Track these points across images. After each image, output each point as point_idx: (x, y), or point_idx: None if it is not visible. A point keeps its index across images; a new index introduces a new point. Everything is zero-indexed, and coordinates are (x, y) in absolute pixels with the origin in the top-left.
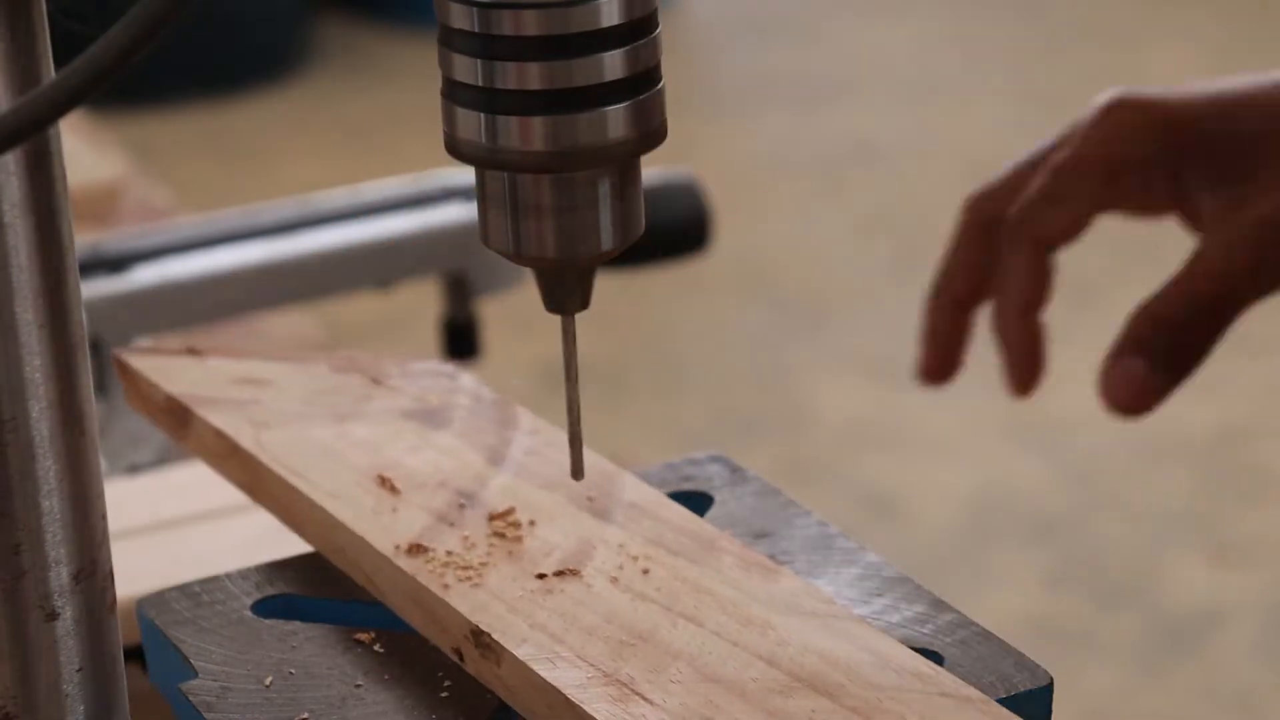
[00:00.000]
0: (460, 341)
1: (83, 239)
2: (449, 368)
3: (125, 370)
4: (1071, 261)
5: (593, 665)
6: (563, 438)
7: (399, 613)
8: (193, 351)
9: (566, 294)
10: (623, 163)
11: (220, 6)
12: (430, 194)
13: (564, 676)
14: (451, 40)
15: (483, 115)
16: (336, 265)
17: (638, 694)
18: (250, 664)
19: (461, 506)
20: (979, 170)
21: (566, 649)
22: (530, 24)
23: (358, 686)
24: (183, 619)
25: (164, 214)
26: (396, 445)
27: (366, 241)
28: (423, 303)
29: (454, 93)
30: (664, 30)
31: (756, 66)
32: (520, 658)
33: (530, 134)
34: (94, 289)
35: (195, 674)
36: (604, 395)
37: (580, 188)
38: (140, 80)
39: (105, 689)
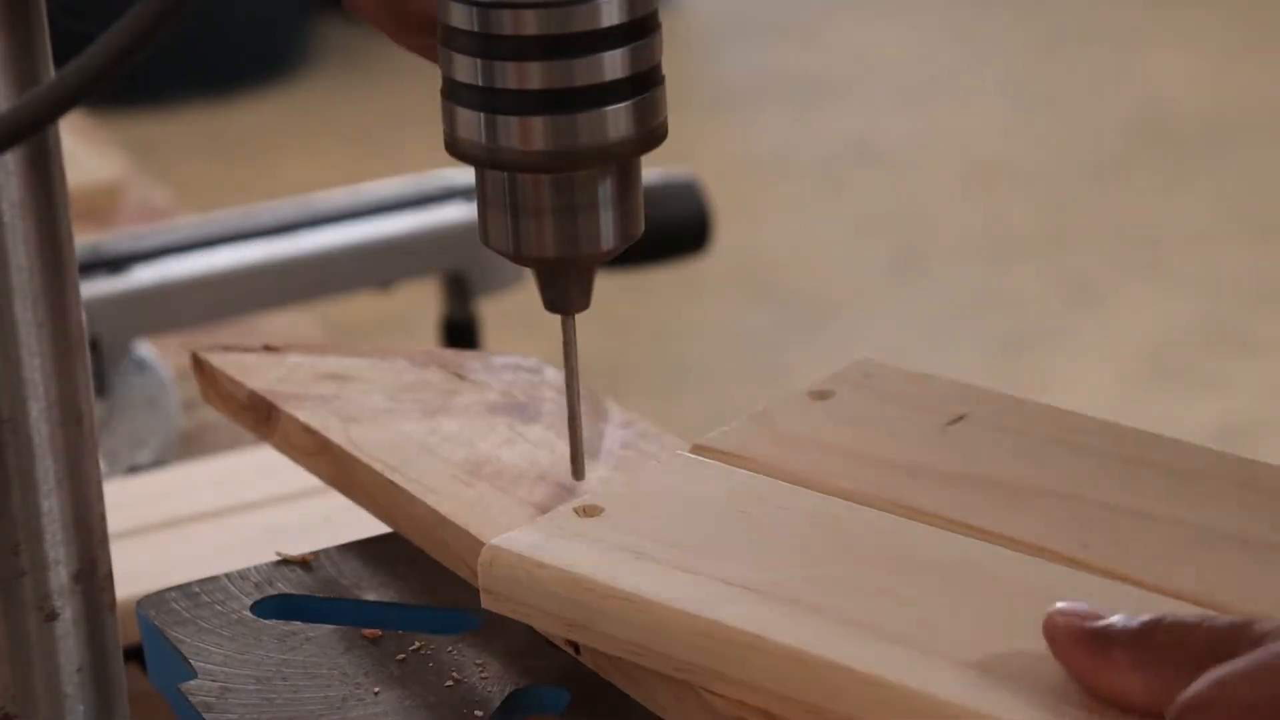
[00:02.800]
0: (460, 341)
1: (83, 239)
2: (532, 361)
3: (202, 368)
4: (1072, 261)
5: None
6: (657, 430)
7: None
8: (270, 349)
9: (566, 294)
10: (623, 163)
11: (220, 6)
12: (430, 194)
13: None
14: (452, 40)
15: (482, 115)
16: (336, 265)
17: None
18: (250, 664)
19: (564, 500)
20: (979, 170)
21: None
22: (530, 23)
23: (358, 686)
24: (182, 619)
25: (164, 214)
26: (490, 439)
27: (366, 241)
28: (423, 303)
29: (454, 92)
30: (664, 30)
31: (756, 66)
32: None
33: (530, 134)
34: (94, 289)
35: (195, 674)
36: (604, 395)
37: (580, 188)
38: (140, 80)
39: (105, 689)
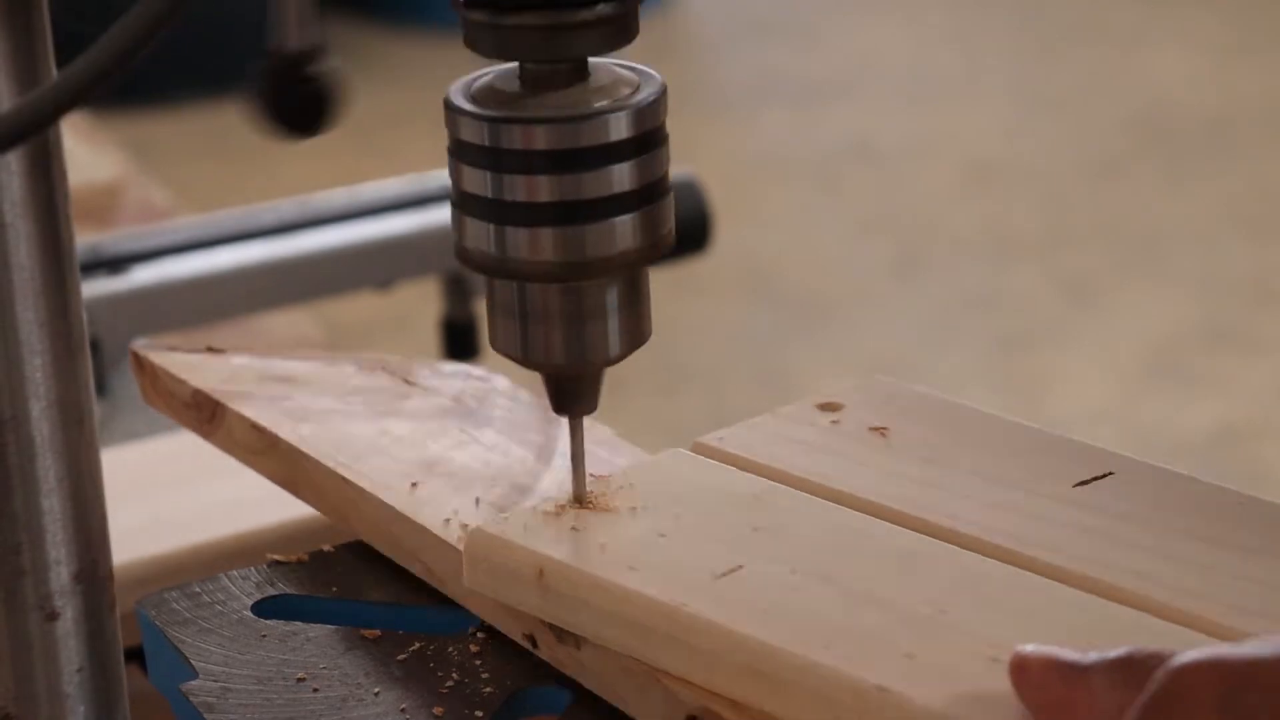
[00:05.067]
0: (460, 341)
1: (82, 239)
2: (480, 370)
3: (143, 365)
4: (1071, 261)
5: None
6: (608, 434)
7: (463, 601)
8: (212, 350)
9: (574, 398)
10: (630, 271)
11: (220, 6)
12: (430, 194)
13: None
14: (461, 152)
15: (492, 226)
16: (336, 265)
17: None
18: (251, 664)
19: (519, 500)
20: (979, 170)
21: None
22: (539, 138)
23: (358, 686)
24: (183, 619)
25: (164, 214)
26: (441, 441)
27: (366, 241)
28: (423, 303)
29: (464, 203)
30: (664, 30)
31: (756, 66)
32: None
33: (539, 245)
34: (94, 289)
35: (195, 674)
36: (604, 395)
37: (588, 297)
38: (140, 80)
39: (105, 689)
